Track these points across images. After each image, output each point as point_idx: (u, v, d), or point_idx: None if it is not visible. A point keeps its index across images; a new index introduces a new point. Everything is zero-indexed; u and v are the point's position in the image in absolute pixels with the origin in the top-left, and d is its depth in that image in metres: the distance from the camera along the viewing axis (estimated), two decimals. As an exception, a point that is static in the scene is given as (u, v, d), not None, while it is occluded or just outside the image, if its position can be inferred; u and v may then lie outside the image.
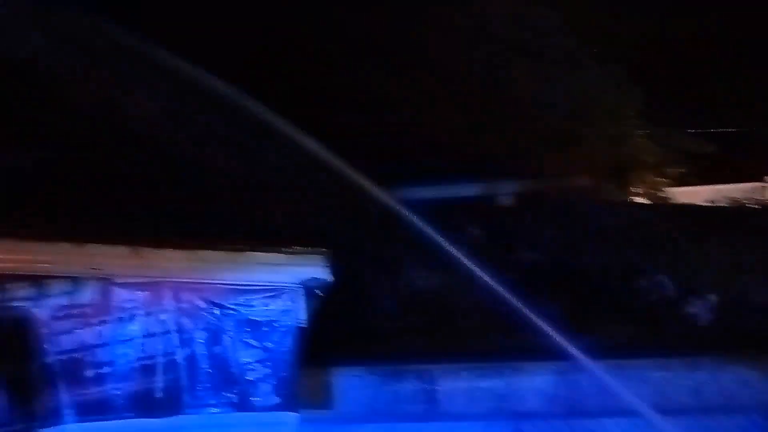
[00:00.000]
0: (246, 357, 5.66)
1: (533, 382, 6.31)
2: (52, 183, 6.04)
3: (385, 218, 6.16)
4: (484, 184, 7.85)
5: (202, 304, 5.63)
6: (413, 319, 6.75)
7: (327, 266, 5.75)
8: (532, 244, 7.55)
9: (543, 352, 6.08)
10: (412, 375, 6.21)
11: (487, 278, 6.77)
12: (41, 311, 5.46)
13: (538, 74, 8.14)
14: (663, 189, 9.15)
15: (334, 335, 6.10)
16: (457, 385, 6.22)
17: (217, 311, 5.64)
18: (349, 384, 6.08)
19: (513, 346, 6.30)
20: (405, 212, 6.25)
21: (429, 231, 6.57)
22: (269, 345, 5.70)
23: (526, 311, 6.36)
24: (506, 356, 6.34)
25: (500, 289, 6.57)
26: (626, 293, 7.32)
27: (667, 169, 9.09)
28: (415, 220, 6.18)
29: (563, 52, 8.26)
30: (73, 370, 5.47)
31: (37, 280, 5.44)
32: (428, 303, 6.95)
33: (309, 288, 5.77)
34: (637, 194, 8.95)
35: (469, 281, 6.44)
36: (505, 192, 7.95)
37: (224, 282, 5.65)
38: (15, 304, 5.42)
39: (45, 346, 5.45)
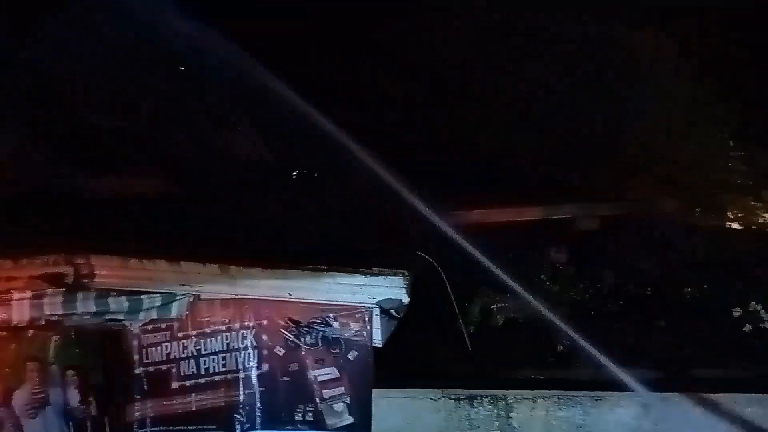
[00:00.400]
0: (321, 375, 5.78)
1: (615, 414, 6.09)
2: (149, 204, 6.42)
3: (462, 241, 6.15)
4: (566, 207, 7.66)
5: (282, 322, 5.80)
6: (489, 343, 6.69)
7: (404, 288, 5.79)
8: (617, 270, 7.33)
9: (627, 382, 5.89)
10: (487, 400, 6.13)
11: (568, 304, 6.65)
12: (133, 324, 5.80)
13: (621, 92, 7.90)
14: (761, 214, 8.67)
15: (409, 356, 6.13)
16: (533, 413, 6.09)
17: (295, 329, 5.79)
18: (423, 406, 6.07)
19: (595, 375, 6.13)
20: (483, 235, 6.23)
21: (508, 254, 6.50)
22: (345, 364, 5.79)
23: (610, 339, 6.20)
24: (587, 385, 6.17)
25: (582, 315, 6.42)
26: (718, 324, 6.98)
27: (764, 192, 8.60)
28: (494, 243, 6.14)
29: (650, 69, 7.99)
30: (159, 382, 5.77)
31: (132, 294, 5.79)
32: (505, 327, 6.87)
33: (386, 309, 5.83)
34: (732, 219, 8.52)
35: (549, 306, 6.32)
36: (588, 215, 7.72)
37: (304, 300, 5.80)
38: (111, 317, 5.79)
39: (135, 357, 5.79)
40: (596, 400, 6.13)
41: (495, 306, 6.86)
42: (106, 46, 6.81)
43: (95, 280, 5.74)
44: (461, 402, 6.11)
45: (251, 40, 5.94)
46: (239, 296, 5.80)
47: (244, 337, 5.82)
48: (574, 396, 6.15)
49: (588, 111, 7.80)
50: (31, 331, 5.78)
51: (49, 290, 5.70)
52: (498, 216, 7.31)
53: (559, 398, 6.13)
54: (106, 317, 5.79)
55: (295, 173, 6.92)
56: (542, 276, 7.05)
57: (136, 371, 5.78)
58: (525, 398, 6.14)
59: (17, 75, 6.49)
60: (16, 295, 5.71)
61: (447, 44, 7.80)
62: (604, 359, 5.88)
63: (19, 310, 5.72)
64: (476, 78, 7.66)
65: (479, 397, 6.14)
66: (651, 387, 5.87)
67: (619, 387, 5.90)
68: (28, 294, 5.71)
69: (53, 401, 5.83)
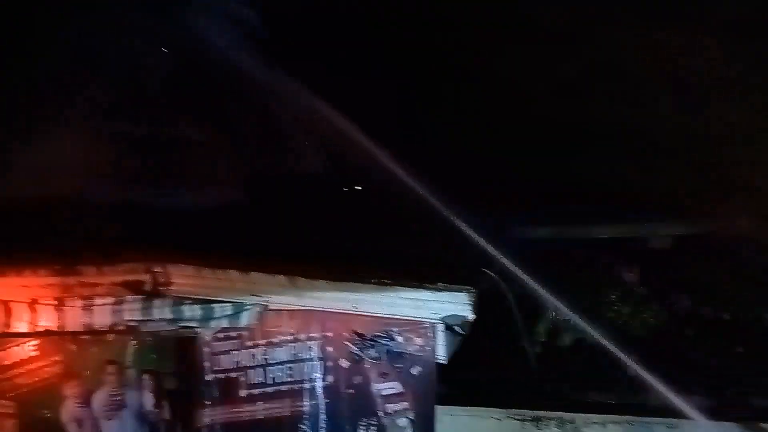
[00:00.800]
0: (385, 390, 5.81)
1: (690, 442, 5.85)
2: (223, 216, 6.66)
3: (529, 258, 6.07)
4: (639, 225, 7.42)
5: (347, 334, 5.88)
6: (557, 364, 6.54)
7: (469, 304, 5.76)
8: (692, 292, 7.03)
9: (703, 410, 5.64)
10: (554, 423, 5.99)
11: (640, 326, 6.41)
12: (205, 332, 6.01)
13: (696, 107, 7.60)
14: None
15: (473, 374, 6.07)
16: (602, 437, 5.93)
17: (359, 342, 5.85)
18: (486, 426, 5.99)
19: (669, 401, 5.89)
20: (551, 252, 6.12)
21: (577, 273, 6.35)
22: (408, 379, 5.79)
23: (685, 364, 5.96)
24: (660, 412, 5.93)
25: (655, 338, 6.19)
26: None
27: None
28: (562, 261, 6.02)
29: (724, 83, 7.65)
30: (228, 389, 5.94)
31: (205, 303, 6.01)
32: (574, 348, 6.70)
33: (450, 325, 5.81)
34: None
35: (620, 328, 6.13)
36: (661, 234, 7.45)
37: (368, 313, 5.86)
38: (184, 324, 6.02)
39: (206, 364, 5.98)
40: (670, 427, 5.89)
41: (563, 326, 6.71)
42: (191, 71, 7.15)
43: (171, 288, 5.98)
44: (527, 423, 5.99)
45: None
46: (306, 308, 5.92)
47: (310, 348, 5.92)
48: (647, 422, 5.93)
49: (660, 128, 7.57)
50: (111, 336, 6.07)
51: (129, 297, 5.98)
52: (567, 233, 7.17)
53: (630, 424, 5.93)
54: (180, 324, 6.01)
55: (359, 187, 7.02)
56: (613, 296, 6.84)
57: (207, 378, 5.96)
58: (594, 422, 5.96)
59: (98, 91, 6.88)
60: (98, 301, 6.02)
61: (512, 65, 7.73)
62: (678, 385, 5.65)
63: (101, 315, 6.03)
64: (542, 96, 7.58)
65: (545, 419, 6.00)
66: (729, 416, 5.60)
67: (695, 415, 5.65)
68: (110, 300, 6.01)
69: (129, 403, 6.10)
